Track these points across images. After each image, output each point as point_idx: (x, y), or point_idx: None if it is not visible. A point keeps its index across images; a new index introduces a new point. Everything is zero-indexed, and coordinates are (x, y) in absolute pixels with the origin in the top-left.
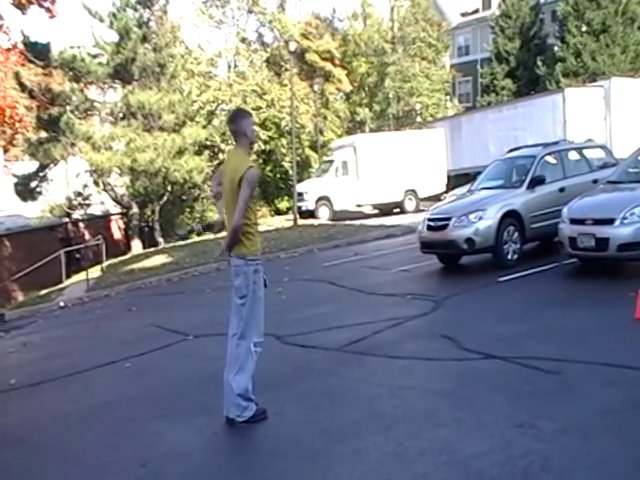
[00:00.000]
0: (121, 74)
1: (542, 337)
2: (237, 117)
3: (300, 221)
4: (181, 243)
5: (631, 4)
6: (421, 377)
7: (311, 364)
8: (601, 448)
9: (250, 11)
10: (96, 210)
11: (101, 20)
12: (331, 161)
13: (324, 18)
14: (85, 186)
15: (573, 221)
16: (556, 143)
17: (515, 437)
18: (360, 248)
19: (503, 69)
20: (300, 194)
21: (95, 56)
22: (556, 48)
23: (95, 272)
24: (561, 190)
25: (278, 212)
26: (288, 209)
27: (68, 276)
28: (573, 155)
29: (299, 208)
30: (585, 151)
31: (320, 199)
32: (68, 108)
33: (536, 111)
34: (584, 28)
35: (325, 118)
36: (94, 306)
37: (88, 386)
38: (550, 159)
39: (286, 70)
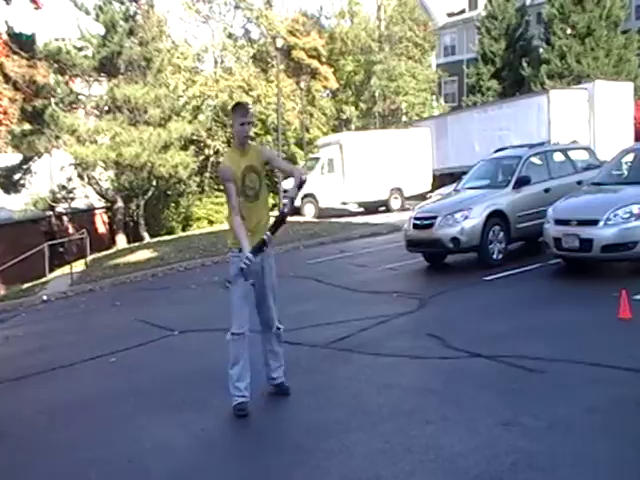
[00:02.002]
0: (107, 67)
1: (527, 336)
2: (231, 111)
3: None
4: (166, 238)
5: (615, 8)
6: (407, 375)
7: (297, 361)
8: (586, 445)
9: (237, 7)
10: (80, 204)
11: (87, 13)
12: (317, 158)
13: (311, 15)
14: (69, 179)
15: (558, 222)
16: (542, 144)
17: (501, 434)
18: (346, 246)
19: (489, 70)
20: (286, 191)
21: (81, 49)
22: (541, 50)
23: (79, 266)
24: (546, 191)
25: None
26: (274, 206)
27: (51, 270)
28: (558, 156)
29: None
30: (570, 152)
31: (306, 196)
32: (53, 100)
33: (521, 112)
34: (569, 31)
35: (311, 115)
36: (78, 300)
37: (72, 381)
38: (535, 160)
39: (272, 67)
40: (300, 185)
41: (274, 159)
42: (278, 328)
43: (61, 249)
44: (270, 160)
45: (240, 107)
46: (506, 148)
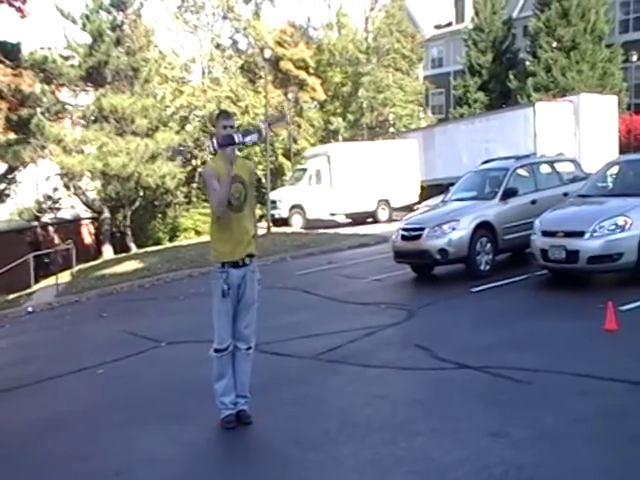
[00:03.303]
0: (93, 77)
1: (515, 347)
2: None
3: (273, 229)
4: (153, 249)
5: (599, 22)
6: (396, 386)
7: (286, 372)
8: (574, 456)
9: (225, 17)
10: (66, 214)
11: (74, 22)
12: (304, 169)
13: (299, 26)
14: (55, 189)
15: (545, 233)
16: (528, 156)
17: (490, 445)
18: (333, 257)
19: (476, 82)
20: (273, 202)
21: (67, 58)
22: (527, 63)
23: (65, 277)
24: (533, 202)
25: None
26: (261, 217)
27: (37, 281)
28: (545, 168)
29: (272, 216)
30: (556, 164)
31: (293, 207)
32: (38, 110)
33: (508, 124)
34: (555, 44)
35: (299, 126)
36: (64, 311)
37: (59, 393)
38: (522, 172)
39: (260, 77)
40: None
41: (253, 186)
42: (248, 348)
43: (47, 260)
44: (248, 185)
45: (223, 113)
46: (493, 160)
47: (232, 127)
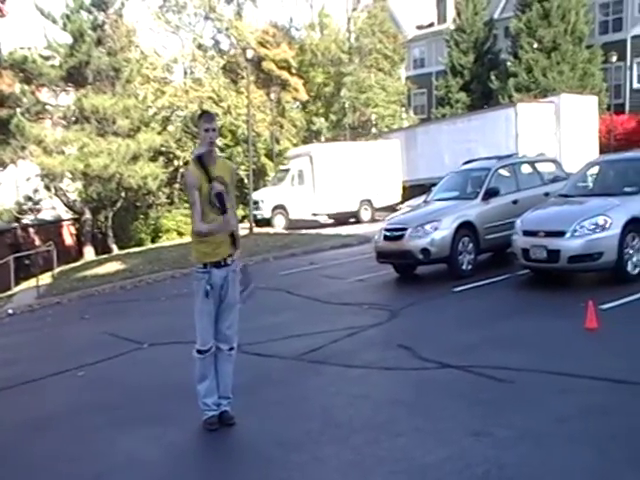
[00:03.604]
0: (74, 77)
1: (496, 346)
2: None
3: (256, 229)
4: (135, 250)
5: (579, 23)
6: (378, 386)
7: (268, 373)
8: (556, 455)
9: (207, 17)
10: (47, 215)
11: (54, 22)
12: (287, 170)
13: (281, 27)
14: (36, 191)
15: (526, 233)
16: (510, 156)
17: (472, 445)
18: (316, 257)
19: (457, 82)
20: (256, 202)
21: (47, 58)
22: (509, 63)
23: (46, 279)
24: (514, 202)
25: (240, 220)
26: (244, 217)
27: (17, 283)
28: (526, 168)
29: (255, 216)
30: (537, 165)
31: (276, 208)
32: (18, 110)
33: (489, 124)
34: (536, 45)
35: (281, 127)
36: (45, 313)
37: (40, 395)
38: (504, 172)
39: (242, 78)
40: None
41: (233, 185)
42: (230, 349)
43: (27, 261)
44: (229, 185)
45: (205, 114)
46: (475, 160)
47: (214, 130)
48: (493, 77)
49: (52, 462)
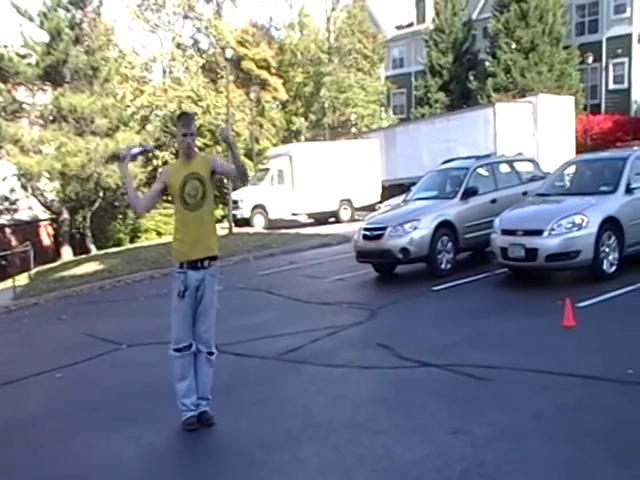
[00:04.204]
0: (52, 76)
1: (475, 345)
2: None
3: (235, 229)
4: (113, 250)
5: (556, 25)
6: (358, 385)
7: (248, 373)
8: (534, 452)
9: (186, 16)
10: (24, 215)
11: (31, 19)
12: (267, 169)
13: (261, 26)
14: (12, 190)
15: (504, 232)
16: (488, 156)
17: (451, 443)
18: (296, 257)
19: (437, 82)
20: (235, 202)
21: (24, 56)
22: (487, 63)
23: (23, 279)
24: (493, 201)
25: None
26: (223, 217)
27: None
28: (504, 168)
29: (234, 216)
30: (515, 164)
31: (255, 207)
32: None
33: (468, 124)
34: (514, 45)
35: (261, 126)
36: (22, 315)
37: (17, 398)
38: (482, 171)
39: (222, 77)
40: (240, 172)
41: (218, 166)
42: (210, 353)
43: (3, 262)
44: (215, 168)
45: (184, 117)
46: (454, 159)
47: (192, 134)
48: (472, 77)
49: (30, 464)
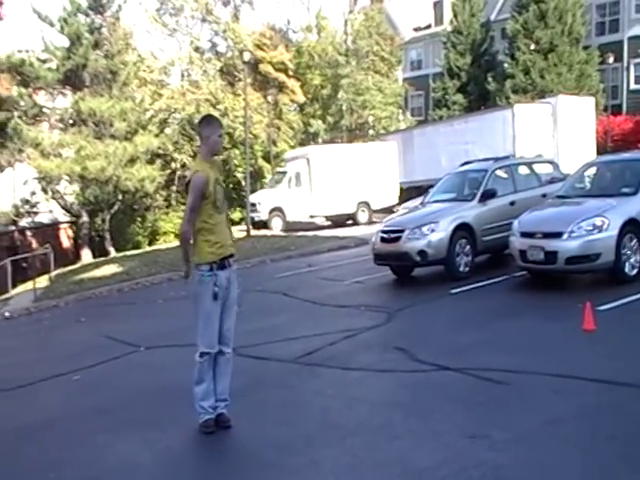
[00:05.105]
0: (71, 80)
1: (494, 348)
2: (202, 122)
3: (253, 232)
4: (132, 252)
5: (576, 25)
6: (375, 389)
7: (265, 376)
8: (551, 456)
9: (204, 20)
10: (44, 218)
11: (51, 25)
12: (284, 172)
13: (278, 29)
14: (33, 193)
15: (523, 234)
16: (507, 157)
17: (468, 447)
18: (313, 259)
19: (454, 84)
20: (253, 205)
21: (45, 61)
22: (506, 65)
23: (43, 282)
24: (511, 204)
25: (231, 222)
26: (241, 219)
27: (14, 286)
28: (523, 170)
29: (252, 219)
30: (534, 166)
31: (273, 210)
32: (16, 113)
33: (486, 126)
34: (532, 46)
35: (278, 129)
36: (41, 317)
37: (34, 400)
38: (501, 173)
39: (240, 80)
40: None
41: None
42: (230, 352)
43: (24, 264)
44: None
45: (214, 119)
46: (472, 161)
47: (220, 135)
48: (490, 79)
49: (45, 466)
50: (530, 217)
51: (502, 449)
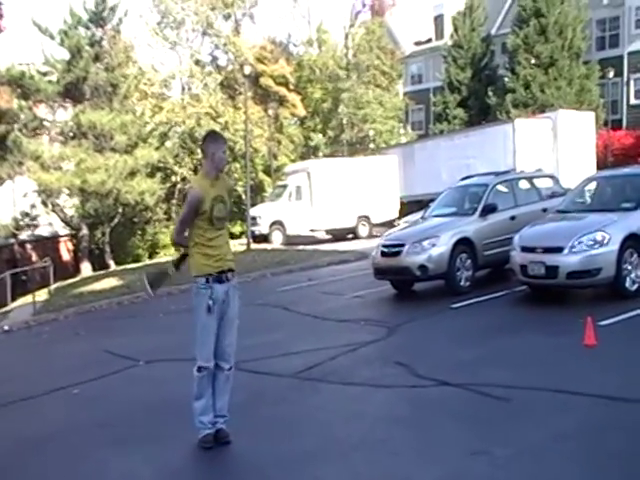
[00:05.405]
0: (72, 93)
1: (495, 363)
2: (207, 138)
3: (253, 245)
4: (132, 266)
5: (576, 40)
6: (376, 404)
7: (265, 391)
8: (554, 473)
9: (205, 33)
10: (44, 231)
11: (52, 37)
12: (285, 186)
13: (279, 43)
14: (33, 206)
15: (524, 249)
16: (507, 172)
17: (470, 464)
18: (314, 273)
19: (455, 98)
20: (253, 218)
21: (45, 74)
22: (506, 79)
23: (42, 295)
24: (512, 218)
25: (232, 236)
26: (241, 233)
27: (14, 299)
28: (524, 184)
29: (252, 232)
30: (535, 180)
31: (273, 224)
32: (16, 126)
33: (487, 140)
34: (533, 61)
35: (279, 143)
36: (41, 330)
37: (33, 414)
38: (502, 188)
39: (240, 93)
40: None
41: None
42: (230, 368)
43: (24, 277)
44: (227, 203)
45: (218, 136)
46: (472, 176)
47: (224, 152)
48: (490, 93)
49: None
50: (531, 232)
51: (504, 466)
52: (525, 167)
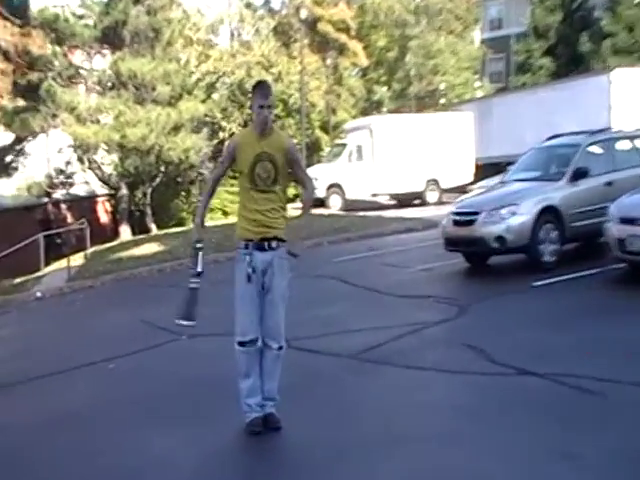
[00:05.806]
0: (110, 38)
1: (584, 352)
2: (252, 89)
3: None
4: (175, 230)
5: None
6: (443, 392)
7: (320, 372)
8: None
9: None
10: (80, 190)
11: None
12: (344, 144)
13: None
14: (68, 163)
15: (622, 220)
16: (602, 131)
17: (553, 470)
18: (375, 242)
19: (541, 46)
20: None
21: (81, 17)
22: (604, 22)
23: (78, 259)
24: (608, 184)
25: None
26: (295, 196)
27: (47, 263)
28: (623, 145)
29: None
30: (637, 141)
31: (331, 186)
32: (49, 74)
33: (578, 94)
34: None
35: (338, 96)
36: (75, 298)
37: (65, 389)
38: (596, 149)
39: (295, 41)
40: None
41: (294, 162)
42: (280, 347)
43: (58, 240)
44: (292, 164)
45: (260, 87)
46: (561, 135)
47: (269, 107)
48: (584, 39)
49: (75, 460)
50: (631, 200)
51: (595, 474)
52: (623, 126)
